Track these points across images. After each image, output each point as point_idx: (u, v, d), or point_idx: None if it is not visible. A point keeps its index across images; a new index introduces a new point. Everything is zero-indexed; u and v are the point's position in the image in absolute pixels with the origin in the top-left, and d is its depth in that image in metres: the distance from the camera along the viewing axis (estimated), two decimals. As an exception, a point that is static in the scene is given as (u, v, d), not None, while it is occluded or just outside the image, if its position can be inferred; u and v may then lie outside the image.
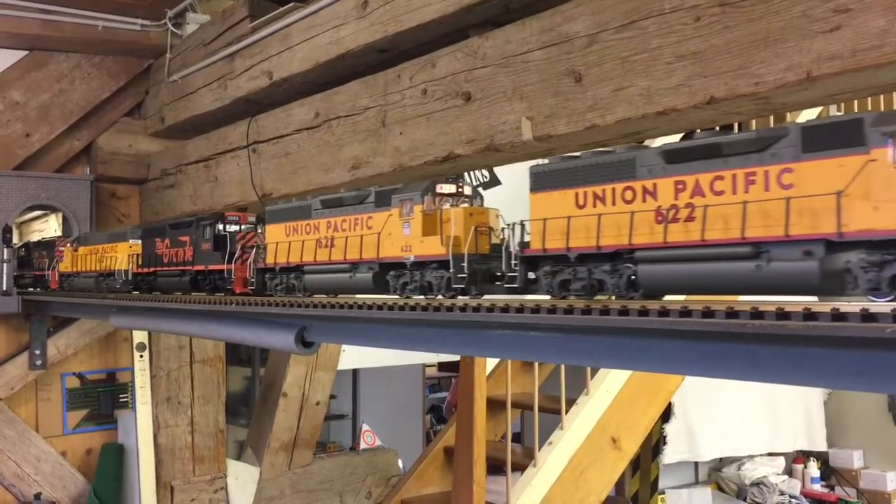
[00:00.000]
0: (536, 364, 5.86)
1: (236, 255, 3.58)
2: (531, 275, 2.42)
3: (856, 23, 2.10)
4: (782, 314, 1.71)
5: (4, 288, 5.49)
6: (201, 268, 3.82)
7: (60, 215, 6.25)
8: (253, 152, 4.73)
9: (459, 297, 2.59)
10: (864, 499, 8.76)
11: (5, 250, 5.49)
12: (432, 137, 3.45)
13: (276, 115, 4.56)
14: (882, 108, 6.85)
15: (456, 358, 7.03)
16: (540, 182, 2.39)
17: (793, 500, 8.61)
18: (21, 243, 6.23)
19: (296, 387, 6.72)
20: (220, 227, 3.74)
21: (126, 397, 6.28)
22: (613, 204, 2.17)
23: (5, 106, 5.67)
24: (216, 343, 6.44)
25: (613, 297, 2.20)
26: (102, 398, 6.23)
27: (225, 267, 3.60)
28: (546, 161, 2.45)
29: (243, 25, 4.81)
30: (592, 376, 5.73)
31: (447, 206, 2.71)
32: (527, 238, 2.43)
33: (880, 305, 1.61)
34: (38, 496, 5.77)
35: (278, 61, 4.44)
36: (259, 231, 3.67)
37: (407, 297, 2.77)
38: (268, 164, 4.61)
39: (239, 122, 4.94)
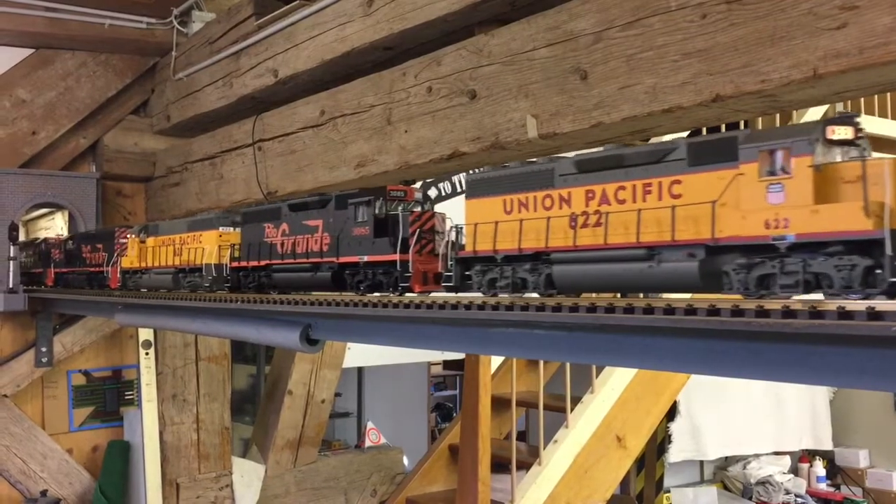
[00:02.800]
0: (541, 362, 5.86)
1: (412, 241, 2.82)
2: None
3: (862, 20, 2.09)
4: (788, 312, 1.70)
5: (11, 285, 5.50)
6: (352, 259, 3.04)
7: (66, 213, 6.26)
8: (258, 150, 4.74)
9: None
10: (870, 498, 8.75)
11: (11, 247, 5.51)
12: (437, 135, 3.45)
13: (282, 113, 4.57)
14: (889, 105, 6.82)
15: (461, 356, 7.04)
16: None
17: (798, 499, 8.60)
18: (68, 235, 5.67)
19: (301, 384, 6.73)
20: (383, 205, 2.98)
21: (132, 395, 6.30)
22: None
23: (11, 104, 5.68)
24: (221, 341, 6.45)
25: (536, 294, 2.42)
26: (108, 395, 6.24)
27: (397, 258, 2.82)
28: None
29: (249, 23, 4.81)
30: (597, 375, 5.72)
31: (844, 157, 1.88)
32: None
33: (886, 304, 1.60)
34: (44, 493, 5.78)
35: (284, 59, 4.44)
36: (434, 210, 3.01)
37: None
38: (273, 162, 4.61)
39: (244, 119, 4.94)
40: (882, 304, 1.61)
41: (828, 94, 2.37)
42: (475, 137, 3.27)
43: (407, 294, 2.82)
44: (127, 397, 6.30)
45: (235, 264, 3.70)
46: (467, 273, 2.60)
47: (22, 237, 5.94)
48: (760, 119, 4.59)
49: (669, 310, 1.90)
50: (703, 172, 2.00)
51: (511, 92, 3.11)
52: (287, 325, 3.31)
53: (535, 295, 2.41)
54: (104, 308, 4.92)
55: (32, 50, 5.78)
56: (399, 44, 3.76)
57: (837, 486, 9.03)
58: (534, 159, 2.52)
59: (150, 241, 4.45)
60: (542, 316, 2.20)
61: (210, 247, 3.86)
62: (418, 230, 2.84)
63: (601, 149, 2.31)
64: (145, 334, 6.10)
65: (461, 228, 2.64)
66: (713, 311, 1.82)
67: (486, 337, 2.59)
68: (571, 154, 2.46)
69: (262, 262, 3.52)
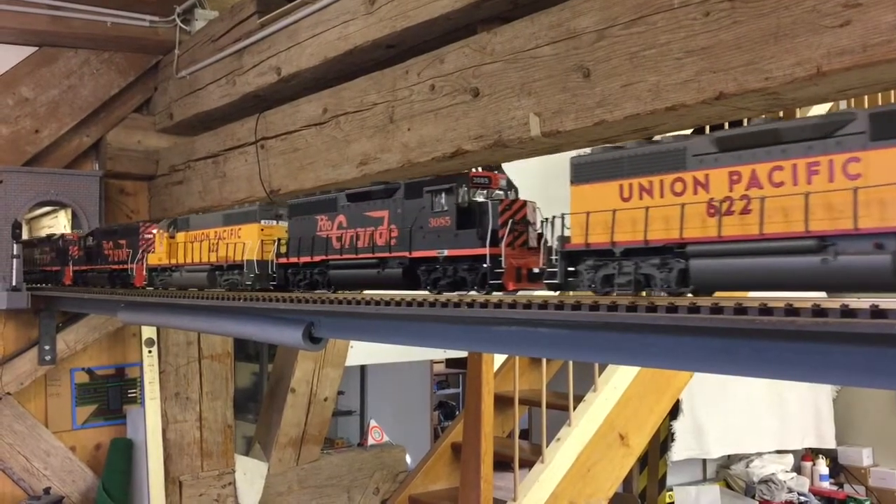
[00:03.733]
0: (544, 360, 5.86)
1: (504, 233, 2.51)
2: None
3: (866, 17, 2.08)
4: (791, 310, 1.70)
5: (14, 283, 5.51)
6: (428, 253, 2.72)
7: (70, 211, 6.27)
8: (261, 148, 4.74)
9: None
10: (873, 496, 8.73)
11: (15, 245, 5.51)
12: (440, 133, 3.45)
13: (284, 111, 4.57)
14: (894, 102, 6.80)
15: (464, 354, 7.03)
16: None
17: (801, 498, 8.59)
18: (87, 231, 5.40)
19: (304, 382, 6.74)
20: (466, 193, 2.65)
21: (135, 393, 6.31)
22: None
23: (15, 102, 5.69)
24: (224, 339, 6.45)
25: (662, 294, 2.11)
26: (111, 393, 6.25)
27: (487, 251, 2.50)
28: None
29: (251, 21, 4.81)
30: (600, 373, 5.72)
31: None
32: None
33: (890, 302, 1.60)
34: (47, 491, 5.79)
35: (286, 57, 4.44)
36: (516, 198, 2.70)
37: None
38: (276, 160, 4.61)
39: (247, 118, 4.94)
40: (886, 302, 1.61)
41: (831, 91, 2.37)
42: (478, 135, 3.26)
43: (495, 293, 2.56)
44: (130, 395, 6.31)
45: (283, 260, 3.42)
46: (572, 269, 2.30)
47: (25, 235, 5.95)
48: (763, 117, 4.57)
49: (672, 308, 1.90)
50: (891, 147, 1.69)
51: (514, 90, 3.10)
52: (290, 323, 3.31)
53: (662, 294, 2.12)
54: (107, 306, 4.92)
55: (35, 48, 5.78)
56: (402, 42, 3.76)
57: (840, 485, 9.02)
58: (657, 137, 2.25)
59: (181, 236, 4.16)
60: (544, 314, 2.19)
61: (251, 242, 3.55)
62: (510, 220, 2.52)
63: (746, 124, 2.01)
64: (148, 332, 6.11)
65: (565, 218, 2.32)
66: (716, 308, 1.82)
67: (488, 335, 2.59)
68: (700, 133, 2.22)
69: (316, 258, 3.21)
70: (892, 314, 1.55)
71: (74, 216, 6.02)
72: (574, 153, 2.39)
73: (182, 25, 5.79)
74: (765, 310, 1.74)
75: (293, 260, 3.36)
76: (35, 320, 5.84)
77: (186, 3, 5.78)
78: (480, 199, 2.63)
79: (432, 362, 9.53)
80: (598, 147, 2.31)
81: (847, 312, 1.62)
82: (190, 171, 5.60)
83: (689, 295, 2.07)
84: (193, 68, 5.44)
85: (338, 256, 3.11)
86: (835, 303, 1.66)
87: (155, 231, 4.39)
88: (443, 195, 2.68)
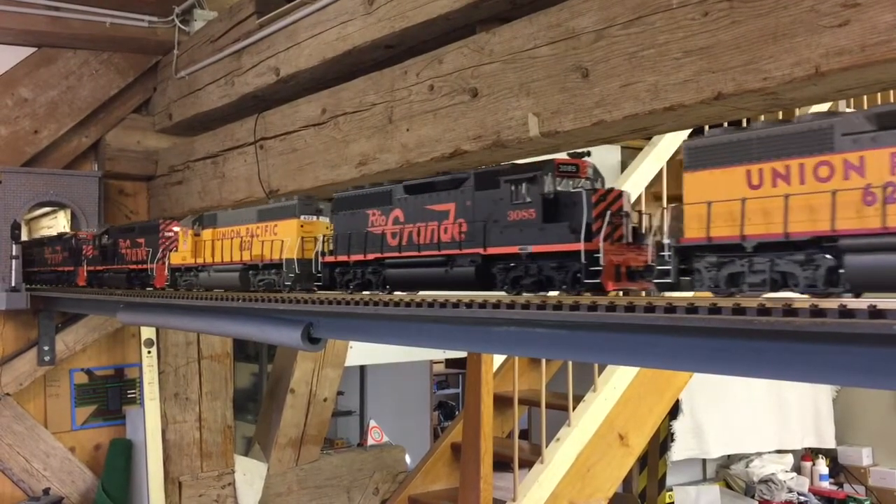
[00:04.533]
0: (543, 361, 5.86)
1: (600, 226, 2.22)
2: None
3: (865, 17, 2.08)
4: (790, 311, 1.70)
5: (13, 284, 5.50)
6: (507, 250, 2.45)
7: (69, 212, 6.27)
8: (260, 149, 4.74)
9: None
10: (873, 496, 8.73)
11: (14, 246, 5.51)
12: (439, 133, 3.45)
13: (283, 112, 4.57)
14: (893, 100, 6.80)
15: (463, 354, 7.03)
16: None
17: (801, 498, 8.59)
18: (102, 229, 5.16)
19: (303, 383, 6.73)
20: (552, 182, 2.38)
21: (134, 393, 6.31)
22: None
23: (14, 103, 5.69)
24: (224, 339, 6.45)
25: (805, 295, 1.87)
26: (111, 394, 6.25)
27: (581, 247, 2.22)
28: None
29: (250, 22, 4.81)
30: (600, 373, 5.72)
31: None
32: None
33: (888, 302, 1.60)
34: (46, 491, 5.79)
35: (285, 57, 4.44)
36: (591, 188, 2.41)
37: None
38: (275, 161, 4.61)
39: (246, 118, 4.94)
40: (883, 302, 1.61)
41: (830, 91, 2.37)
42: (477, 136, 3.26)
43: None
44: (129, 396, 6.31)
45: (329, 259, 3.14)
46: (684, 266, 2.05)
47: (24, 236, 5.94)
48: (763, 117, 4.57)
49: (671, 308, 1.90)
50: None
51: (512, 90, 3.10)
52: (289, 323, 3.31)
53: (804, 294, 1.86)
54: (106, 306, 4.92)
55: (34, 49, 5.79)
56: (400, 42, 3.76)
57: (840, 485, 9.01)
58: (797, 113, 2.00)
59: (207, 233, 3.90)
60: (544, 314, 2.19)
61: (290, 239, 3.29)
62: (606, 211, 2.23)
63: None
64: (148, 333, 6.11)
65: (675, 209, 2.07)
66: (714, 309, 1.82)
67: (488, 335, 2.59)
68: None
69: (369, 256, 2.94)
70: (891, 314, 1.55)
71: (73, 217, 6.02)
72: (684, 136, 2.16)
73: (181, 26, 5.79)
74: (763, 310, 1.74)
75: (342, 258, 3.08)
76: (34, 321, 5.84)
77: (185, 4, 5.78)
78: (568, 188, 2.37)
79: (432, 362, 9.53)
80: (718, 128, 2.07)
81: (845, 313, 1.61)
82: (189, 172, 5.60)
83: (844, 296, 1.82)
84: (192, 69, 5.44)
85: (395, 255, 2.83)
86: (833, 303, 1.66)
87: (177, 229, 4.17)
88: (524, 185, 2.40)
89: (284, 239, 3.32)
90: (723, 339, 1.92)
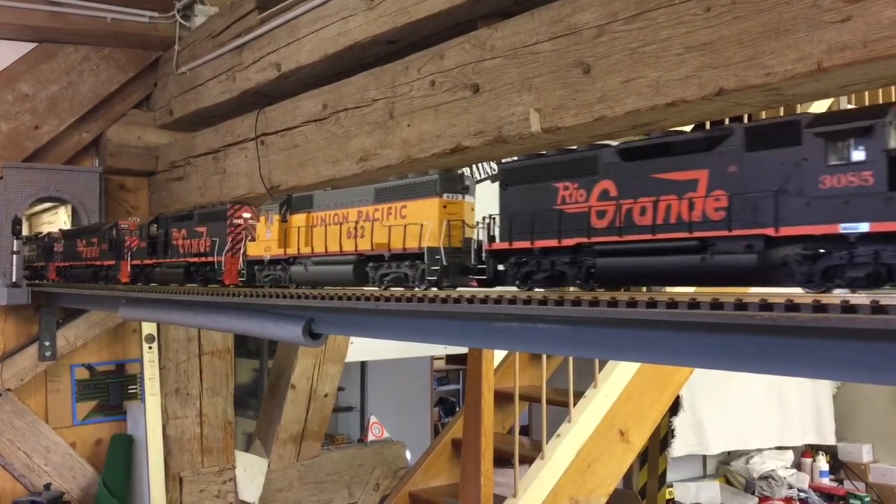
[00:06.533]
0: (544, 356, 5.86)
1: None
2: None
3: (867, 13, 2.08)
4: (791, 306, 1.70)
5: (14, 279, 5.50)
6: (816, 230, 1.83)
7: (70, 207, 6.27)
8: (261, 144, 4.73)
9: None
10: (873, 493, 8.74)
11: (15, 241, 5.51)
12: (440, 129, 3.45)
13: (284, 107, 4.56)
14: (893, 99, 6.81)
15: (464, 350, 7.04)
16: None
17: (801, 494, 8.59)
18: (151, 217, 4.58)
19: (304, 379, 6.74)
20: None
21: (135, 388, 6.31)
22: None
23: (14, 98, 5.69)
24: (225, 335, 6.46)
25: None
26: (112, 389, 6.26)
27: None
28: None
29: (251, 17, 4.81)
30: (601, 369, 5.72)
31: None
32: None
33: (890, 298, 1.59)
34: (47, 486, 5.80)
35: (286, 53, 4.43)
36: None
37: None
38: (276, 157, 4.61)
39: (247, 114, 4.94)
40: (886, 297, 1.60)
41: (832, 87, 2.36)
42: (478, 132, 3.26)
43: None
44: (130, 391, 6.31)
45: (498, 246, 2.54)
46: None
47: (25, 231, 5.94)
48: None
49: (672, 304, 1.90)
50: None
51: (514, 86, 3.10)
52: (290, 319, 3.30)
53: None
54: (107, 302, 4.92)
55: (35, 44, 5.78)
56: (402, 37, 3.75)
57: (840, 481, 9.02)
58: None
59: (298, 218, 3.33)
60: (544, 310, 2.19)
61: (432, 223, 2.69)
62: None
63: None
64: (148, 328, 6.11)
65: None
66: (716, 304, 1.82)
67: (488, 331, 2.58)
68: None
69: (566, 242, 2.33)
70: (893, 310, 1.55)
71: (74, 212, 6.02)
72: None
73: (182, 21, 5.78)
74: (765, 305, 1.74)
75: (519, 245, 2.47)
76: (35, 316, 5.85)
77: (186, -1, 5.78)
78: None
79: (433, 358, 9.52)
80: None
81: (847, 308, 1.61)
82: (190, 168, 5.60)
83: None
84: (193, 64, 5.43)
85: (612, 238, 2.22)
86: (835, 298, 1.66)
87: (247, 215, 3.71)
88: (851, 140, 1.78)
89: (424, 222, 2.70)
90: (724, 334, 1.92)
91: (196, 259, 3.98)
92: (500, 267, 2.57)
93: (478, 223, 2.65)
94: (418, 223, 2.72)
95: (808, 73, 2.22)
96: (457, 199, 2.73)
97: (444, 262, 2.64)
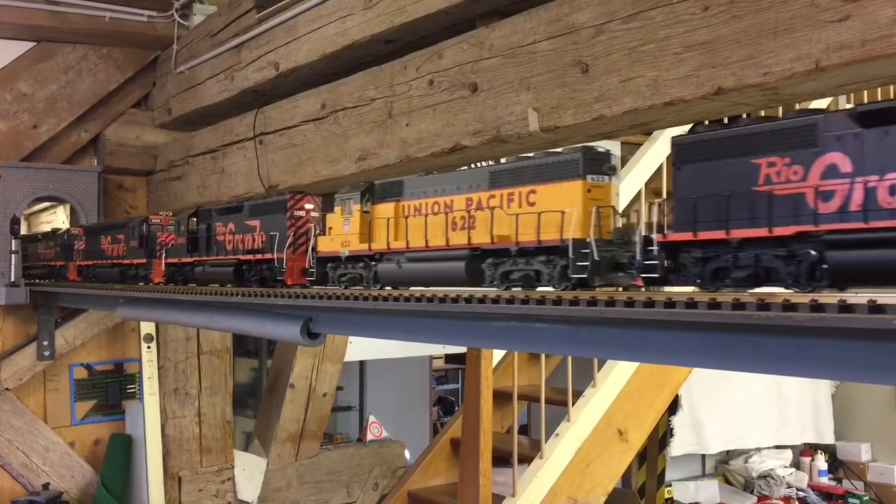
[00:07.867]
0: (543, 356, 5.86)
1: None
2: None
3: (865, 12, 2.08)
4: (789, 306, 1.70)
5: (13, 279, 5.50)
6: None
7: (68, 206, 6.26)
8: (259, 143, 4.73)
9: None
10: (872, 492, 8.75)
11: (13, 241, 5.50)
12: (439, 128, 3.45)
13: (283, 107, 4.56)
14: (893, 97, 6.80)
15: (463, 350, 7.03)
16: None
17: (800, 493, 8.60)
18: (191, 210, 4.10)
19: (303, 378, 6.73)
20: None
21: (134, 388, 6.31)
22: None
23: (13, 97, 5.68)
24: (223, 334, 6.45)
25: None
26: (110, 389, 6.25)
27: None
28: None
29: (250, 16, 4.80)
30: (599, 368, 5.72)
31: None
32: None
33: (887, 297, 1.59)
34: (46, 486, 5.80)
35: (285, 52, 4.43)
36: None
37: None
38: (274, 156, 4.61)
39: (246, 113, 4.94)
40: (883, 297, 1.60)
41: (830, 86, 2.36)
42: (476, 131, 3.26)
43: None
44: (129, 391, 6.31)
45: (676, 237, 2.06)
46: None
47: (24, 230, 5.94)
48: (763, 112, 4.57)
49: (670, 303, 1.90)
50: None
51: (512, 85, 3.10)
52: (288, 318, 3.30)
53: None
54: (106, 301, 4.91)
55: (34, 43, 5.77)
56: (400, 37, 3.75)
57: (839, 480, 9.03)
58: None
59: (384, 209, 2.89)
60: (543, 309, 2.19)
61: (575, 210, 2.26)
62: None
63: None
64: (147, 328, 6.11)
65: None
66: (714, 304, 1.82)
67: (487, 330, 2.58)
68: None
69: (782, 231, 1.85)
70: (890, 310, 1.55)
71: (73, 212, 6.01)
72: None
73: (180, 20, 5.78)
74: (762, 305, 1.74)
75: (707, 235, 2.00)
76: (34, 315, 5.84)
77: (184, -2, 5.78)
78: None
79: (431, 358, 9.52)
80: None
81: (845, 308, 1.61)
82: (188, 167, 5.60)
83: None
84: (192, 63, 5.43)
85: (851, 225, 1.72)
86: (832, 298, 1.66)
87: (309, 206, 3.29)
88: None
89: (567, 210, 2.27)
90: (722, 333, 1.92)
91: (249, 256, 3.54)
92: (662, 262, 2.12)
93: (647, 210, 2.17)
94: (556, 211, 2.30)
95: (805, 73, 2.22)
96: (603, 182, 2.30)
97: (596, 257, 2.23)
